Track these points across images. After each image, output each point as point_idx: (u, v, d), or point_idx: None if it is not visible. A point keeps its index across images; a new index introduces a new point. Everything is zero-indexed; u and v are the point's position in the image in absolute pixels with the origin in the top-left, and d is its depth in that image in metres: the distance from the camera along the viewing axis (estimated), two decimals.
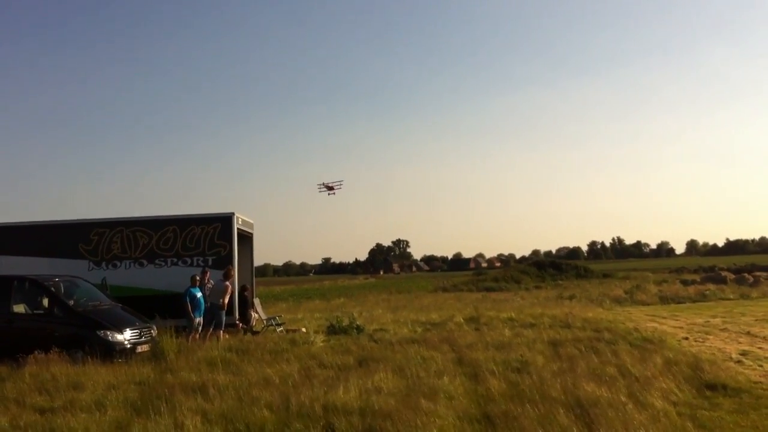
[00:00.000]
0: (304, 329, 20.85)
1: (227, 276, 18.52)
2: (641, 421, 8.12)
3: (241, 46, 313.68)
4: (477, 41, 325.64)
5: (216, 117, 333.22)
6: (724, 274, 51.54)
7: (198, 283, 18.29)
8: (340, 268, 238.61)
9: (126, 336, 15.41)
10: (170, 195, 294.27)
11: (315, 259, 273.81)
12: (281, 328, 20.67)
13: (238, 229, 20.60)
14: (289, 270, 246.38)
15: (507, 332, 18.46)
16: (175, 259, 20.22)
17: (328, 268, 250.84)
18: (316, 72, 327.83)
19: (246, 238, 22.41)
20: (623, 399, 9.29)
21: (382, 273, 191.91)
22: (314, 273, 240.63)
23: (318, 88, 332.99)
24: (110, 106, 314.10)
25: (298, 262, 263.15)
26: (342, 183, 64.16)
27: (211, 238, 20.23)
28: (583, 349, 14.56)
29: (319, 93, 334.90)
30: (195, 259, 20.14)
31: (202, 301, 18.10)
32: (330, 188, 62.68)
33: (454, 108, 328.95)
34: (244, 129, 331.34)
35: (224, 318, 18.34)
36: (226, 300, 18.27)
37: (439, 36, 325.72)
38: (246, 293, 20.79)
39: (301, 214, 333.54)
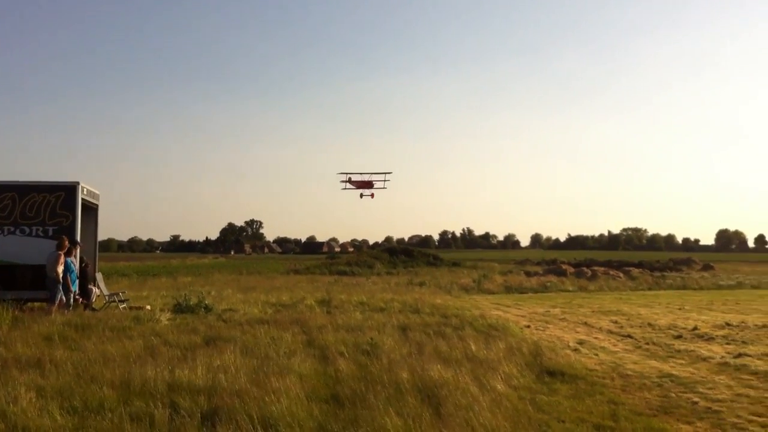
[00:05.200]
0: (148, 307, 20.14)
1: (60, 246, 17.59)
2: (485, 403, 8.35)
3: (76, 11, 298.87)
4: (339, 19, 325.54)
5: (58, 77, 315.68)
6: (564, 267, 54.25)
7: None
8: (189, 247, 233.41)
9: None
10: (5, 161, 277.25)
11: (163, 236, 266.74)
12: (124, 305, 19.87)
13: (82, 199, 19.62)
14: (134, 246, 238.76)
15: (358, 315, 18.57)
16: (12, 228, 19.00)
17: (176, 245, 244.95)
18: (165, 42, 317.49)
19: (91, 210, 21.39)
20: (468, 382, 9.53)
21: (233, 253, 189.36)
22: (161, 250, 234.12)
23: (167, 57, 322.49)
24: None
25: (144, 239, 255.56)
26: (388, 178, 41.08)
27: (53, 207, 19.15)
28: (432, 333, 14.86)
29: (168, 61, 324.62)
30: (34, 228, 19.02)
31: (74, 273, 17.73)
32: (366, 186, 41.05)
33: (312, 88, 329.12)
34: (88, 94, 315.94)
35: (60, 291, 17.44)
36: (60, 270, 17.35)
37: (303, 12, 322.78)
38: (86, 267, 19.83)
39: (150, 187, 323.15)
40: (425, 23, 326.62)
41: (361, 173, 40.36)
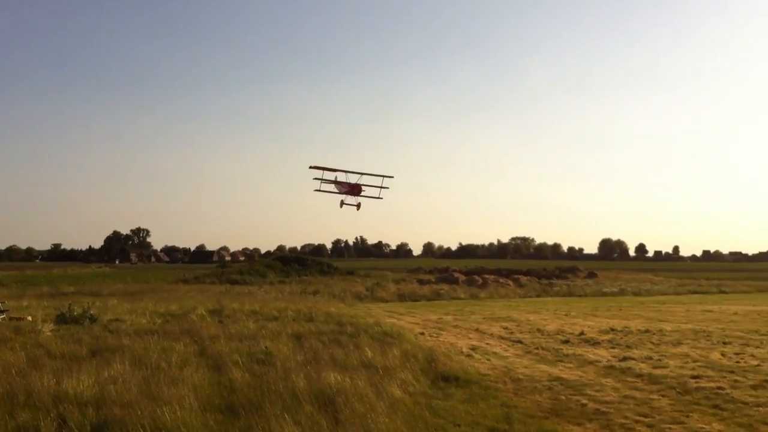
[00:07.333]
0: (30, 317, 19.31)
1: None
2: (382, 409, 8.39)
3: None
4: (231, 23, 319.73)
5: None
6: (456, 275, 55.26)
7: None
8: (72, 256, 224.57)
9: None
10: None
11: (43, 245, 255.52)
12: (3, 316, 18.97)
13: None
14: (12, 255, 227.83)
15: (251, 325, 18.37)
16: None
17: (57, 254, 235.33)
18: (47, 44, 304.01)
19: None
20: (365, 388, 9.56)
21: (118, 262, 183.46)
22: (41, 259, 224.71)
23: (48, 59, 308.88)
24: None
25: (23, 247, 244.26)
26: (386, 184, 26.32)
27: None
28: (327, 341, 14.88)
29: (49, 63, 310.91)
30: None
31: None
32: (353, 191, 26.48)
33: (210, 96, 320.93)
34: None
35: None
36: None
37: (192, 14, 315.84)
38: None
39: (29, 193, 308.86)
40: (317, 27, 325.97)
41: (346, 171, 26.82)
